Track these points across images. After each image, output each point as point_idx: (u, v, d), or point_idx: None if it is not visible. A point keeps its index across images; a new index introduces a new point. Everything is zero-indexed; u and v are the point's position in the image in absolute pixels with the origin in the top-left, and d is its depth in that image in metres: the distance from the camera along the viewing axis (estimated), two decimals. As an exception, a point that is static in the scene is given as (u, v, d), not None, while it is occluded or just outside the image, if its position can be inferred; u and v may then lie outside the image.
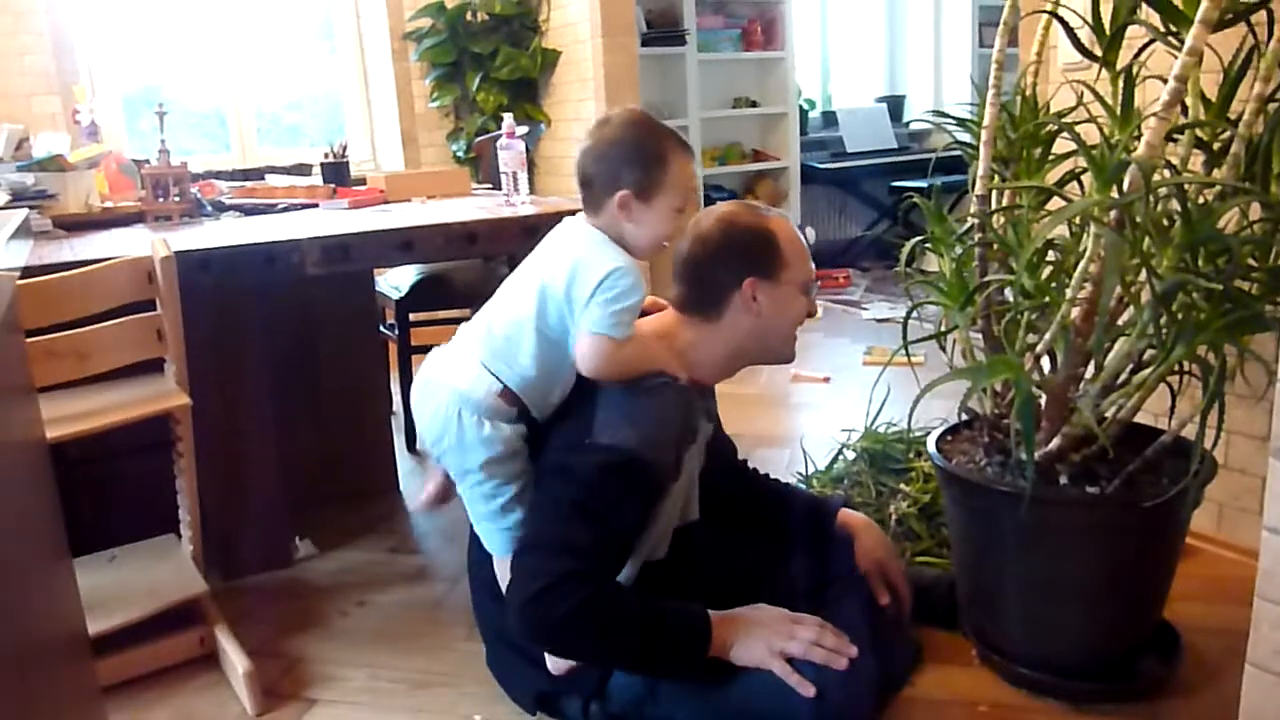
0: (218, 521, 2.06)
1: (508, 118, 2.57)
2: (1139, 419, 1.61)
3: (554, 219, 2.33)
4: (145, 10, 4.06)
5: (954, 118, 1.88)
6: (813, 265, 1.65)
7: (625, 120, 1.52)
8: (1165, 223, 1.42)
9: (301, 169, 3.55)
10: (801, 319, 1.65)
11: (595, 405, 1.49)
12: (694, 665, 1.45)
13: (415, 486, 2.80)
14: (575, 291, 1.46)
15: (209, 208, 2.58)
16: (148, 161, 2.54)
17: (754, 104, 5.24)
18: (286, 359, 2.41)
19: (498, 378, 1.50)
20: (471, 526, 1.63)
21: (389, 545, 2.40)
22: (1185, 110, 1.54)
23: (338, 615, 2.06)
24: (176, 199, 2.45)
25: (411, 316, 3.13)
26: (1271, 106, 1.49)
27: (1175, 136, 1.51)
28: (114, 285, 1.72)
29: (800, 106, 5.52)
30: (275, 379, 2.25)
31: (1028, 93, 1.76)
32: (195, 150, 4.14)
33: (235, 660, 1.76)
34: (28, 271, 1.64)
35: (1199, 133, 1.57)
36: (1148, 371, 1.51)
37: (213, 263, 1.95)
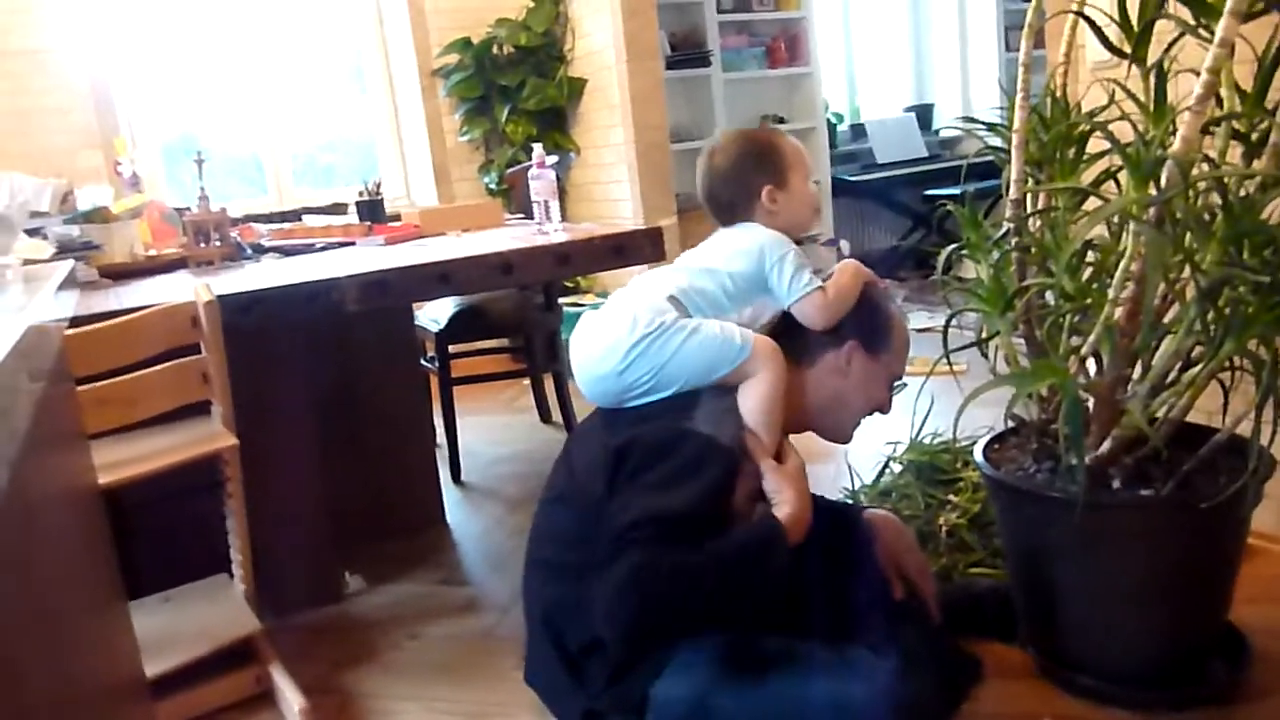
0: (268, 559, 2.09)
1: (537, 148, 2.59)
2: (1191, 418, 1.58)
3: (587, 245, 2.37)
4: (181, 60, 4.17)
5: (984, 123, 1.86)
6: (906, 367, 1.67)
7: (728, 142, 1.70)
8: (1206, 217, 1.39)
9: (337, 208, 3.60)
10: (873, 409, 1.64)
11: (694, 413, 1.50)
12: (783, 570, 1.44)
13: (461, 517, 2.81)
14: (771, 280, 1.59)
15: (249, 251, 2.63)
16: (188, 209, 2.60)
17: (782, 120, 5.24)
18: (329, 396, 2.44)
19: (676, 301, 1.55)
20: (527, 552, 1.62)
21: (438, 577, 2.41)
22: (1220, 102, 1.51)
23: (390, 649, 2.07)
24: (217, 244, 2.50)
25: (451, 348, 3.16)
26: (1310, 94, 1.46)
27: (1211, 129, 1.49)
28: (159, 331, 1.75)
29: (828, 120, 5.52)
30: (319, 416, 2.28)
31: (1058, 94, 1.74)
32: (233, 195, 4.23)
33: (291, 698, 1.77)
34: (75, 321, 1.68)
35: (1236, 124, 1.54)
36: (1197, 369, 1.48)
37: (254, 305, 1.98)
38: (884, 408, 1.65)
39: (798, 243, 1.66)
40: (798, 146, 1.71)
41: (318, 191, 4.39)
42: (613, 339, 1.53)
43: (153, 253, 2.58)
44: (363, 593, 2.35)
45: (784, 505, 1.47)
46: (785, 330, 1.61)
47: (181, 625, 1.88)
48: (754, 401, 1.53)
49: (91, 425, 1.61)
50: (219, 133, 4.35)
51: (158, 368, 1.75)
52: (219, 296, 1.81)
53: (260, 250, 2.66)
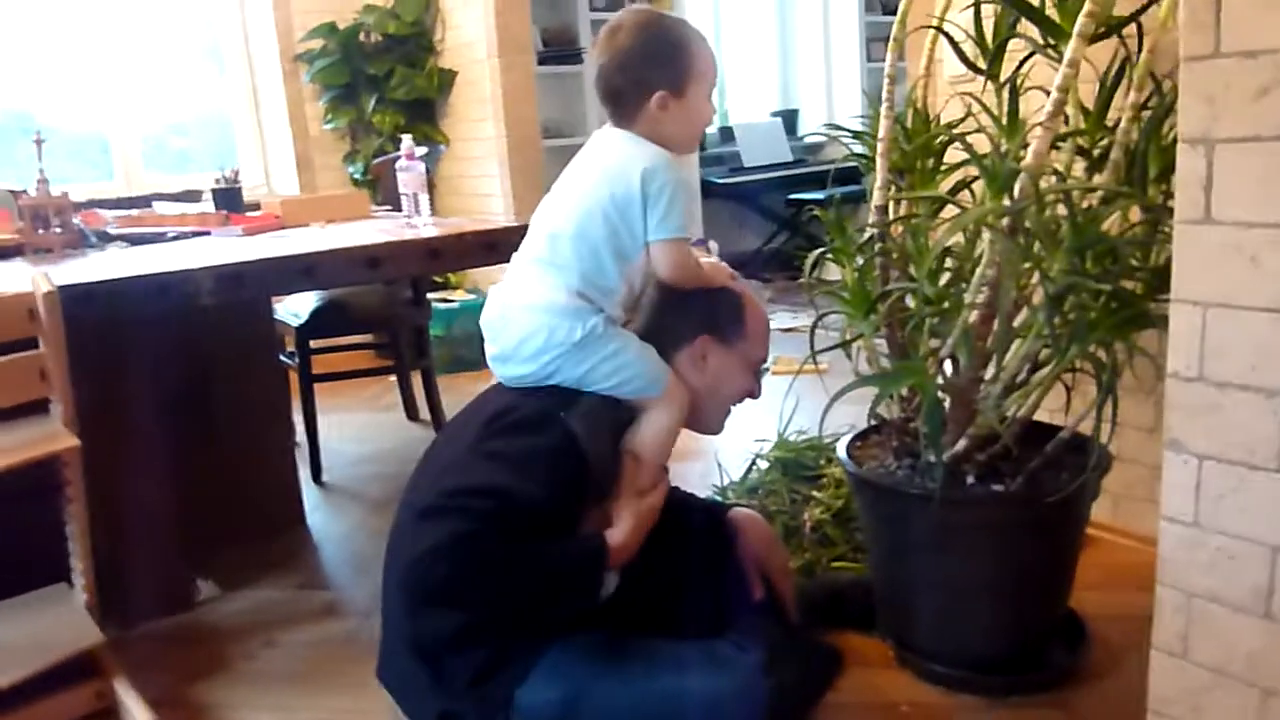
0: (112, 567, 1.96)
1: (406, 139, 2.53)
2: (1038, 417, 1.67)
3: (458, 240, 2.33)
4: (17, 30, 3.87)
5: (850, 131, 1.93)
6: (768, 351, 1.65)
7: (636, 24, 1.51)
8: (1054, 228, 1.48)
9: (191, 195, 3.43)
10: (741, 397, 1.64)
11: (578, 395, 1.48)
12: (595, 589, 1.43)
13: (321, 518, 2.72)
14: (646, 209, 1.47)
15: (93, 238, 2.47)
16: (25, 192, 2.42)
17: (652, 120, 5.28)
18: (181, 393, 2.31)
19: (586, 298, 1.49)
20: (386, 551, 1.58)
21: (296, 581, 2.33)
22: (1066, 119, 1.61)
23: (244, 658, 1.98)
24: (58, 230, 2.34)
25: (313, 344, 3.05)
26: (1145, 114, 1.57)
27: (1058, 144, 1.58)
28: (-9, 323, 1.63)
29: (697, 122, 5.59)
30: (170, 414, 2.16)
31: (919, 105, 1.81)
32: (76, 178, 3.95)
33: (136, 713, 1.67)
34: (-107, 312, 1.54)
35: (1080, 140, 1.64)
36: (1045, 371, 1.56)
37: (99, 296, 1.86)
38: (753, 393, 1.65)
39: None
40: (711, 55, 1.54)
41: (170, 177, 4.16)
42: (532, 346, 1.49)
43: (-17, 238, 2.39)
44: (216, 600, 2.24)
45: (618, 534, 1.47)
46: (646, 327, 1.59)
47: (16, 638, 1.74)
48: (650, 434, 1.54)
49: (-89, 424, 1.48)
50: (60, 110, 4.07)
51: (-11, 362, 1.62)
52: (59, 287, 1.69)
53: (106, 238, 2.50)
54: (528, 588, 1.39)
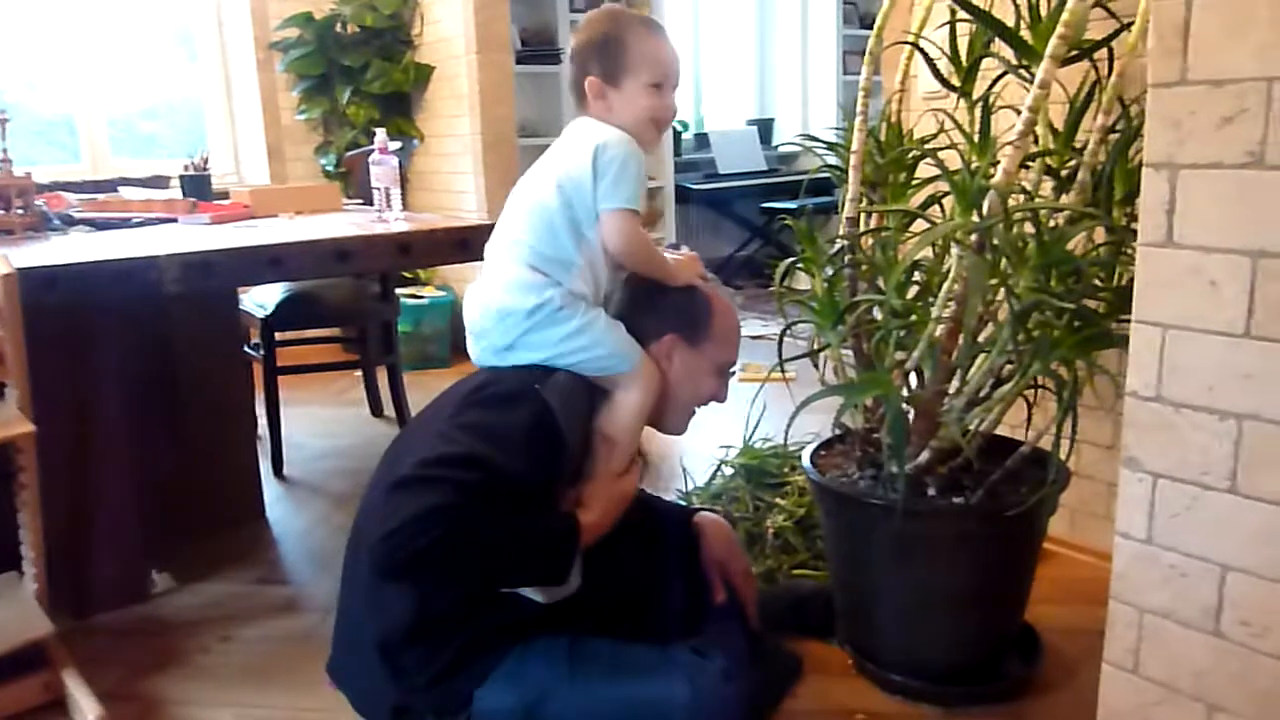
0: (66, 556, 1.93)
1: (380, 133, 2.52)
2: (1000, 431, 1.69)
3: (429, 237, 2.32)
4: (-18, 9, 3.81)
5: (824, 142, 1.94)
6: (737, 355, 1.64)
7: (590, 17, 1.58)
8: (1021, 245, 1.50)
9: (159, 181, 3.39)
10: (706, 399, 1.63)
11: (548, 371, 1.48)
12: (566, 567, 1.43)
13: (282, 513, 2.69)
14: (597, 179, 1.49)
15: (56, 221, 2.43)
16: (-13, 172, 2.37)
17: (628, 124, 5.28)
18: (143, 382, 2.28)
19: (541, 271, 1.49)
20: (349, 542, 1.56)
21: (255, 575, 2.30)
22: (1036, 139, 1.63)
23: (199, 652, 1.95)
24: (20, 212, 2.30)
25: (278, 336, 3.02)
26: (1113, 137, 1.60)
27: (1027, 164, 1.60)
28: (-52, 304, 1.60)
29: (674, 128, 5.60)
30: (130, 403, 2.13)
31: (893, 120, 1.83)
32: (41, 160, 3.89)
33: (85, 706, 1.65)
34: None
35: (1049, 160, 1.66)
36: (1007, 386, 1.58)
37: (60, 280, 1.83)
38: (718, 396, 1.63)
39: None
40: (654, 47, 1.54)
41: (137, 162, 4.10)
42: (491, 319, 1.51)
43: (-58, 217, 2.34)
44: (172, 592, 2.21)
45: (590, 515, 1.47)
46: (624, 313, 1.58)
47: (-39, 627, 1.71)
48: (621, 413, 1.53)
49: None
50: (26, 90, 3.99)
51: (-56, 344, 1.59)
52: (19, 269, 1.67)
53: (69, 221, 2.47)
54: (501, 562, 1.37)
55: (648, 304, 1.56)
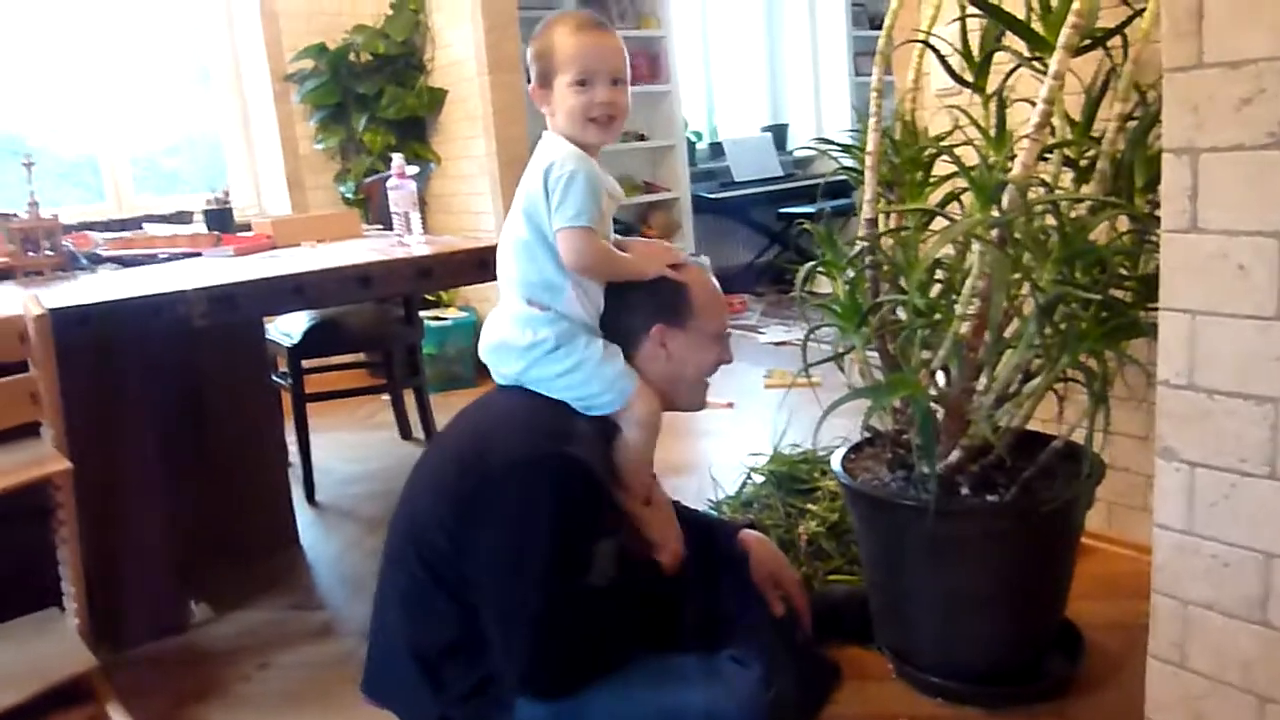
0: (105, 590, 1.95)
1: (397, 158, 2.54)
2: (1030, 426, 1.67)
3: (449, 258, 2.33)
4: (6, 53, 3.88)
5: (839, 144, 1.94)
6: (726, 316, 1.64)
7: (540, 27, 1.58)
8: (1043, 238, 1.48)
9: (182, 217, 3.43)
10: (714, 367, 1.63)
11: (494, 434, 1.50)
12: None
13: (315, 538, 2.71)
14: (550, 200, 1.51)
15: (84, 261, 2.46)
16: (15, 215, 2.41)
17: (643, 137, 5.30)
18: (174, 414, 2.31)
19: (536, 303, 1.54)
20: (383, 561, 1.58)
21: (291, 602, 2.31)
22: (1053, 131, 1.62)
23: (239, 681, 1.96)
24: (48, 253, 2.34)
25: (305, 363, 3.04)
26: (1130, 125, 1.58)
27: (1045, 156, 1.59)
28: (-19, 347, 1.62)
29: (688, 138, 5.61)
30: (162, 436, 2.15)
31: (907, 118, 1.83)
32: (66, 201, 3.95)
33: (130, 737, 1.66)
34: (-117, 336, 1.54)
35: (1067, 151, 1.65)
36: (1036, 380, 1.57)
37: (90, 318, 1.85)
38: (724, 360, 1.64)
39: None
40: (573, 44, 1.53)
41: (161, 198, 4.16)
42: (500, 351, 1.56)
43: (-27, 262, 2.38)
44: (210, 622, 2.22)
45: (666, 554, 1.58)
46: (607, 324, 1.59)
47: (8, 663, 1.73)
48: (628, 457, 1.56)
49: (-99, 449, 1.47)
50: (50, 133, 4.06)
51: (-21, 386, 1.62)
52: (50, 309, 1.69)
53: (97, 260, 2.50)
54: (617, 631, 1.48)
55: (623, 304, 1.57)
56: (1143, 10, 1.57)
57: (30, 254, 2.31)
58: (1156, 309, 1.22)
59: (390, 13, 4.31)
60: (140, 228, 3.01)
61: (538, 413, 1.52)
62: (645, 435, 1.57)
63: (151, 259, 2.54)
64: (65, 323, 1.74)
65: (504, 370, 1.58)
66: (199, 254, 2.58)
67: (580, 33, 1.54)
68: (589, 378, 1.52)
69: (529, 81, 1.57)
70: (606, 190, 1.56)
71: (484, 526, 1.43)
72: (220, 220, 2.86)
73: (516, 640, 1.40)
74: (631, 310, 1.57)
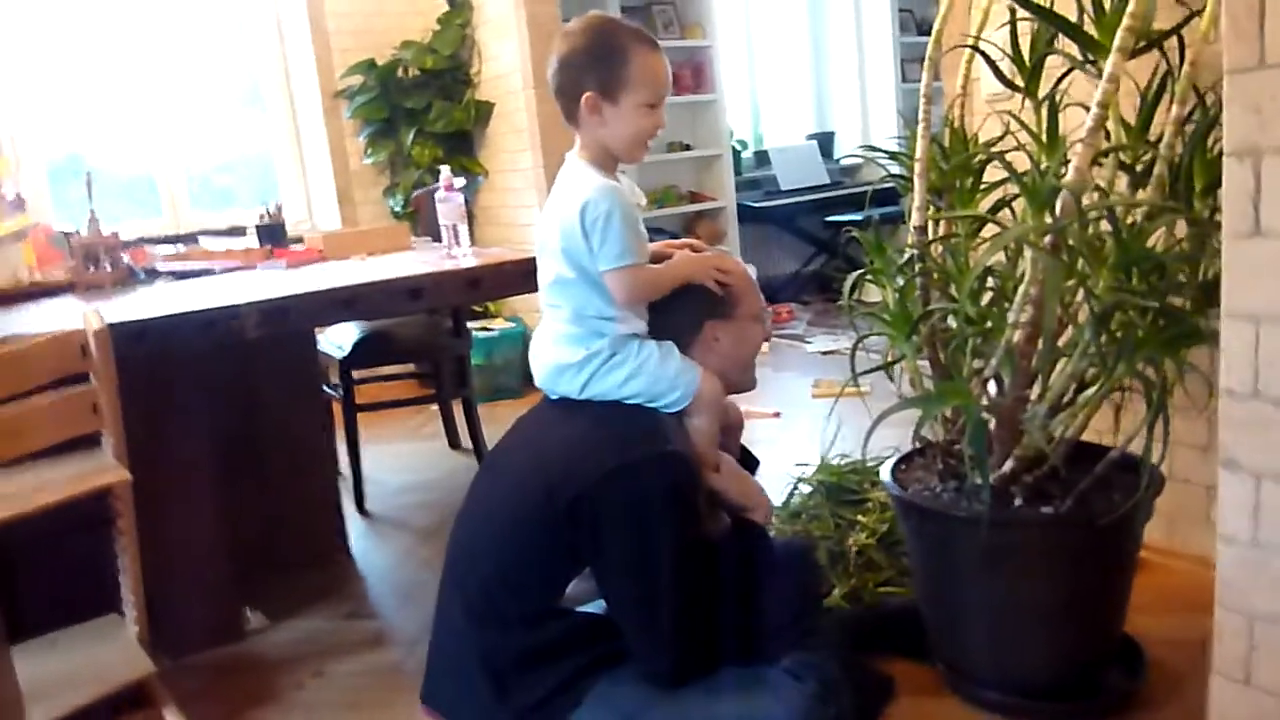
0: (163, 598, 1.98)
1: (445, 170, 2.57)
2: (1086, 436, 1.64)
3: (497, 270, 2.35)
4: (67, 76, 3.99)
5: (886, 151, 1.92)
6: (760, 295, 1.70)
7: (583, 26, 1.55)
8: (1098, 244, 1.46)
9: (236, 231, 3.50)
10: (759, 347, 1.71)
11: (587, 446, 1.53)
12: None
13: (367, 548, 2.74)
14: (590, 241, 1.52)
15: (142, 275, 2.53)
16: (77, 231, 2.48)
17: (688, 147, 5.30)
18: (228, 425, 2.35)
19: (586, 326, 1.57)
20: (446, 568, 1.62)
21: (344, 611, 2.34)
22: (1108, 135, 1.59)
23: (294, 689, 1.99)
24: (108, 268, 2.40)
25: (355, 374, 3.08)
26: (1188, 128, 1.55)
27: (1100, 160, 1.56)
28: (46, 360, 1.66)
29: (733, 147, 5.60)
30: (217, 446, 2.19)
31: (956, 124, 1.80)
32: (125, 217, 4.05)
33: (187, 743, 1.69)
34: (-47, 351, 1.58)
35: (1122, 156, 1.62)
36: (1092, 390, 1.54)
37: (149, 332, 1.90)
38: (767, 337, 1.73)
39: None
40: (654, 66, 1.52)
41: (215, 214, 4.25)
42: (554, 371, 1.60)
43: (38, 277, 2.45)
44: (265, 630, 2.26)
45: (757, 511, 1.65)
46: (655, 326, 1.63)
47: (69, 669, 1.77)
48: (699, 436, 1.61)
49: (-30, 460, 1.52)
50: (109, 152, 4.17)
51: (44, 398, 1.66)
52: (110, 323, 1.73)
53: (154, 274, 2.56)
54: (738, 605, 1.55)
55: (668, 307, 1.62)
56: (1200, 11, 1.54)
57: (91, 269, 2.37)
58: (1217, 315, 1.18)
59: (438, 28, 4.37)
60: (195, 242, 3.08)
61: (616, 420, 1.55)
62: (713, 420, 1.62)
63: (206, 272, 2.60)
64: (124, 337, 1.79)
65: (564, 389, 1.60)
66: (252, 267, 2.63)
67: (657, 53, 1.55)
68: (654, 379, 1.56)
69: (578, 88, 1.52)
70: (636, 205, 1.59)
71: (595, 542, 1.47)
72: (272, 235, 2.91)
73: (662, 637, 1.45)
74: (678, 311, 1.62)
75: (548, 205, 1.62)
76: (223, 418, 2.31)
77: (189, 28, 4.23)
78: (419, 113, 4.31)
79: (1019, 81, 1.68)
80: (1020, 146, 1.66)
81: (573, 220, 1.52)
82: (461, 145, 4.48)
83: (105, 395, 1.71)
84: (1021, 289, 1.52)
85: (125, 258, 2.52)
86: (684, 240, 1.75)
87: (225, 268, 2.63)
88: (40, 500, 1.62)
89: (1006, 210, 1.78)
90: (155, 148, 4.17)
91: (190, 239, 3.25)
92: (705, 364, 1.62)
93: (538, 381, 1.65)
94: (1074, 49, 1.54)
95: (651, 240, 1.62)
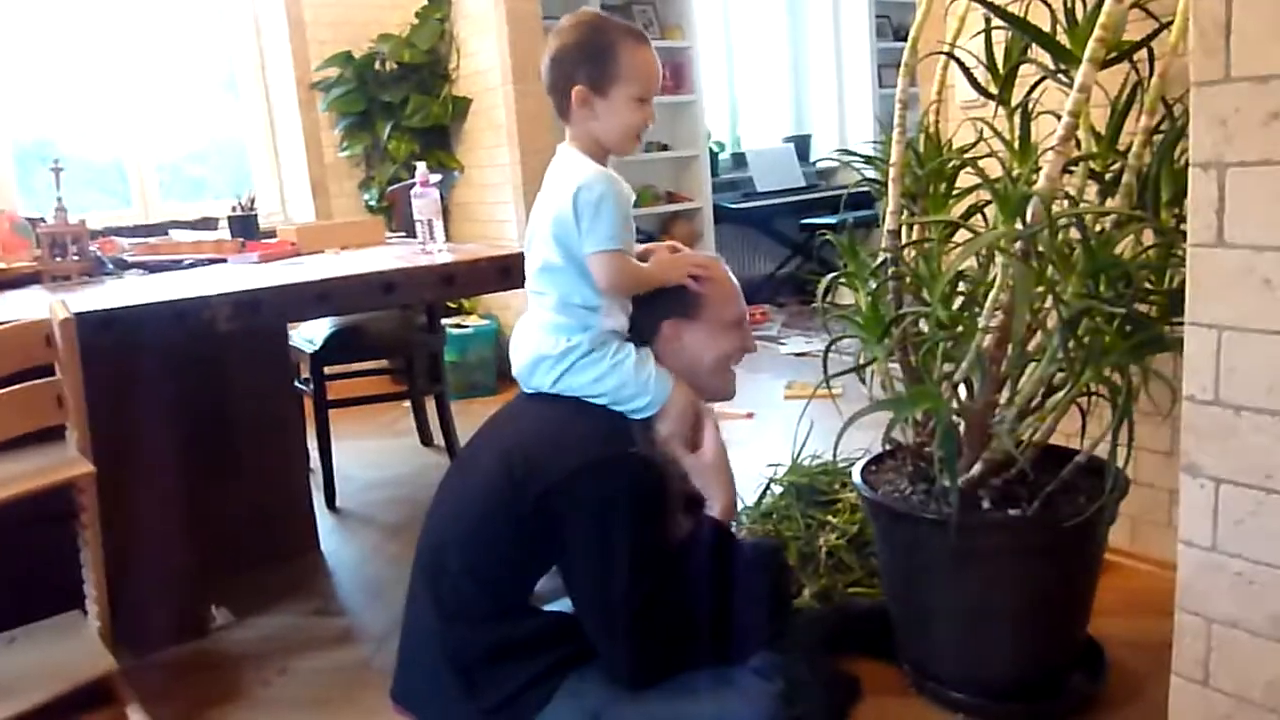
0: (126, 594, 1.97)
1: (421, 166, 2.55)
2: (1053, 440, 1.66)
3: (472, 266, 2.34)
4: (35, 60, 3.93)
5: (862, 156, 1.93)
6: (742, 304, 1.67)
7: (574, 22, 1.57)
8: (1067, 251, 1.47)
9: (207, 223, 3.46)
10: (737, 355, 1.67)
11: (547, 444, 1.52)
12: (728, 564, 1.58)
13: (336, 544, 2.72)
14: (580, 223, 1.52)
15: (110, 266, 2.49)
16: (43, 219, 2.45)
17: (665, 147, 5.31)
18: (196, 419, 2.32)
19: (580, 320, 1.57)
20: (415, 566, 1.61)
21: (311, 607, 2.32)
22: (1078, 144, 1.61)
23: (260, 685, 1.97)
24: (75, 258, 2.36)
25: (327, 369, 3.06)
26: (1157, 138, 1.57)
27: (1070, 169, 1.58)
28: (10, 350, 1.64)
29: (711, 149, 5.62)
30: (185, 441, 2.17)
31: (931, 130, 1.82)
32: (94, 206, 3.99)
33: (150, 739, 1.67)
34: (-85, 339, 1.56)
35: (1092, 164, 1.64)
36: (1060, 394, 1.55)
37: (115, 323, 1.87)
38: (746, 348, 1.68)
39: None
40: (644, 60, 1.54)
41: (186, 204, 4.20)
42: (531, 361, 1.60)
43: (2, 266, 2.42)
44: (230, 626, 2.24)
45: (715, 501, 1.60)
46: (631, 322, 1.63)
47: (30, 666, 1.75)
48: (667, 428, 1.60)
49: (-70, 451, 1.49)
50: (78, 139, 4.11)
51: (7, 389, 1.64)
52: (76, 314, 1.71)
53: (123, 265, 2.53)
54: (694, 612, 1.52)
55: (638, 307, 1.62)
56: (1169, 23, 1.56)
57: (57, 258, 2.34)
58: (1182, 324, 1.20)
59: (416, 21, 4.35)
60: (166, 234, 3.05)
61: (586, 418, 1.55)
62: (682, 424, 1.61)
63: (177, 265, 2.57)
64: (91, 327, 1.76)
65: (537, 382, 1.60)
66: (224, 260, 2.61)
67: (646, 47, 1.56)
68: (625, 382, 1.55)
69: (570, 82, 1.54)
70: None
71: (560, 537, 1.47)
72: (245, 227, 2.88)
73: (619, 638, 1.45)
74: (643, 311, 1.62)
75: (541, 194, 1.62)
76: (191, 412, 2.29)
77: (164, 12, 4.18)
78: (396, 106, 4.29)
79: (993, 89, 1.70)
80: (993, 153, 1.67)
81: (566, 203, 1.52)
82: (438, 140, 4.46)
83: (69, 386, 1.69)
84: (992, 294, 1.53)
85: (93, 248, 2.49)
86: (668, 243, 1.74)
87: (196, 260, 2.60)
88: (2, 493, 1.60)
89: (979, 216, 1.80)
90: (126, 135, 4.11)
91: (161, 230, 3.21)
92: (670, 366, 1.60)
93: (515, 372, 1.64)
94: (1047, 58, 1.56)
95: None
